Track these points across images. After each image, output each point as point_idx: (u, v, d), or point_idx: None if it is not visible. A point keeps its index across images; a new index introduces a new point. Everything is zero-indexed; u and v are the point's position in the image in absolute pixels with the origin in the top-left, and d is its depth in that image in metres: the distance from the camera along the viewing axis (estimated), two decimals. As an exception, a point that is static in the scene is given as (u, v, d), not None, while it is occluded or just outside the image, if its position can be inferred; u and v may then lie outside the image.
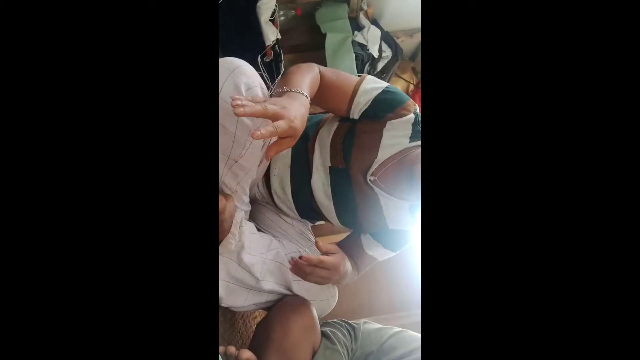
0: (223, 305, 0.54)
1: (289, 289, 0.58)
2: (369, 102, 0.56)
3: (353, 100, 0.56)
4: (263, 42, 1.00)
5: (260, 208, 0.70)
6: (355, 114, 0.57)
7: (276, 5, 1.03)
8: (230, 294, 0.53)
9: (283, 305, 0.56)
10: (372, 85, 0.57)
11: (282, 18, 1.25)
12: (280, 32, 1.08)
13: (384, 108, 0.56)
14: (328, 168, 0.59)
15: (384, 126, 0.56)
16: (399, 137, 0.56)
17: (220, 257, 0.51)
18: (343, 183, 0.59)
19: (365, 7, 1.27)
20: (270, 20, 1.01)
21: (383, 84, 0.57)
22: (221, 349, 0.44)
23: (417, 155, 0.54)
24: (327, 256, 0.52)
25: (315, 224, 0.76)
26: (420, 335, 0.57)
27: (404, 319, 1.33)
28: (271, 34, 1.01)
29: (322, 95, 0.56)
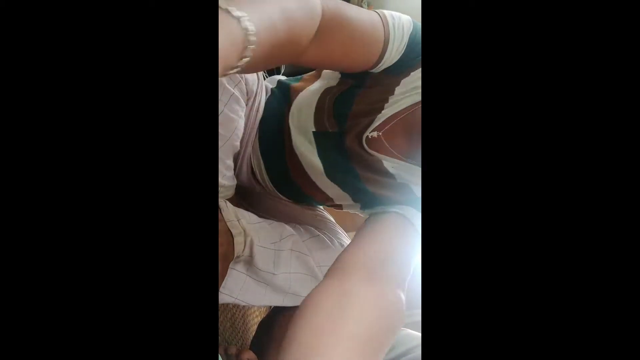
0: (238, 302, 0.47)
1: (314, 276, 0.49)
2: (403, 49, 0.39)
3: (385, 50, 0.38)
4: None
5: (261, 197, 0.62)
6: (381, 67, 0.41)
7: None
8: (247, 290, 0.46)
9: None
10: (399, 21, 0.39)
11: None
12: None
13: (414, 55, 0.40)
14: (312, 133, 0.48)
15: (403, 78, 0.42)
16: (413, 87, 0.43)
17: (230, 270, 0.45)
18: (334, 150, 0.47)
19: (365, 6, 1.27)
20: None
21: (406, 17, 0.40)
22: (221, 349, 0.44)
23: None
24: None
25: (300, 203, 0.61)
26: (419, 334, 0.56)
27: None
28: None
29: (331, 48, 0.36)
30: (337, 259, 0.40)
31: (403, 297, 0.38)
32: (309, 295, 0.36)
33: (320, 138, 0.48)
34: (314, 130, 0.48)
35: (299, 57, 0.34)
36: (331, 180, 0.50)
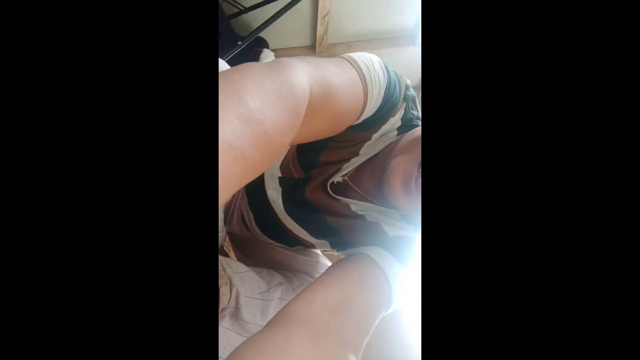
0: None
1: None
2: (378, 105, 0.37)
3: (364, 111, 0.36)
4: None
5: (254, 245, 0.61)
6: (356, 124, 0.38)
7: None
8: (232, 348, 0.42)
9: None
10: (375, 75, 0.35)
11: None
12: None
13: (387, 108, 0.38)
14: (278, 179, 0.47)
15: (374, 133, 0.41)
16: (387, 133, 0.42)
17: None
18: (299, 195, 0.46)
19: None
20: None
21: (377, 64, 0.36)
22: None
23: (398, 146, 0.40)
24: None
25: (294, 247, 0.58)
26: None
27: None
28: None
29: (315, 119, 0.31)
30: (282, 308, 0.32)
31: None
32: (233, 351, 0.28)
33: (286, 183, 0.47)
34: (280, 175, 0.48)
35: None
36: (300, 226, 0.48)
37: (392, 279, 0.37)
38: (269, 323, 0.30)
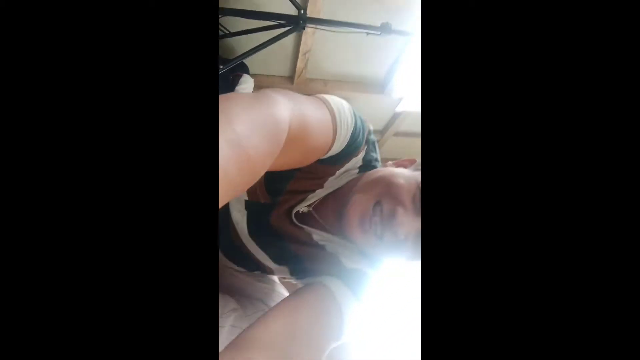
0: None
1: None
2: (344, 145, 0.41)
3: (332, 147, 0.40)
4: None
5: None
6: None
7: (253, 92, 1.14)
8: None
9: None
10: (344, 116, 0.40)
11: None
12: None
13: (350, 150, 0.43)
14: (244, 202, 0.49)
15: (338, 169, 0.45)
16: (349, 170, 0.46)
17: None
18: (264, 220, 0.48)
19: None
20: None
21: (347, 109, 0.41)
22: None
23: (358, 184, 0.44)
24: None
25: (253, 272, 0.60)
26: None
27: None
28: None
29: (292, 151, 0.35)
30: (242, 331, 0.34)
31: None
32: None
33: (252, 207, 0.49)
34: (246, 199, 0.49)
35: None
36: (263, 250, 0.50)
37: (346, 312, 0.40)
38: (229, 346, 0.32)
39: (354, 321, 0.41)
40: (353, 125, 0.41)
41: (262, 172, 0.28)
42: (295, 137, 0.32)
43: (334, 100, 0.40)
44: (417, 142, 2.01)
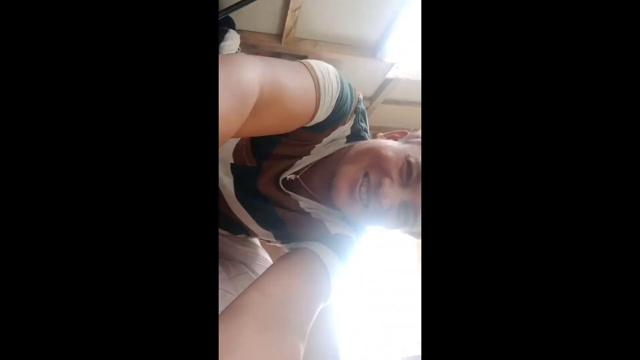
0: None
1: None
2: (329, 112, 0.41)
3: (315, 115, 0.39)
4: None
5: None
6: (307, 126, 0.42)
7: (239, 48, 1.08)
8: None
9: None
10: (329, 82, 0.39)
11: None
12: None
13: (336, 117, 0.43)
14: (230, 165, 0.49)
15: (324, 137, 0.45)
16: (337, 139, 0.47)
17: None
18: (251, 184, 0.49)
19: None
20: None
21: (333, 74, 0.40)
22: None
23: (347, 155, 0.44)
24: None
25: (237, 235, 0.60)
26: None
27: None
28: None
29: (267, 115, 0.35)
30: (233, 300, 0.35)
31: (302, 348, 0.33)
32: None
33: (238, 171, 0.49)
34: (232, 162, 0.49)
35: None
36: (249, 214, 0.51)
37: (332, 274, 0.41)
38: (223, 313, 0.33)
39: (340, 283, 0.43)
40: (339, 92, 0.40)
41: (228, 135, 0.28)
42: (269, 100, 0.33)
43: (318, 65, 0.39)
44: (407, 111, 1.99)
